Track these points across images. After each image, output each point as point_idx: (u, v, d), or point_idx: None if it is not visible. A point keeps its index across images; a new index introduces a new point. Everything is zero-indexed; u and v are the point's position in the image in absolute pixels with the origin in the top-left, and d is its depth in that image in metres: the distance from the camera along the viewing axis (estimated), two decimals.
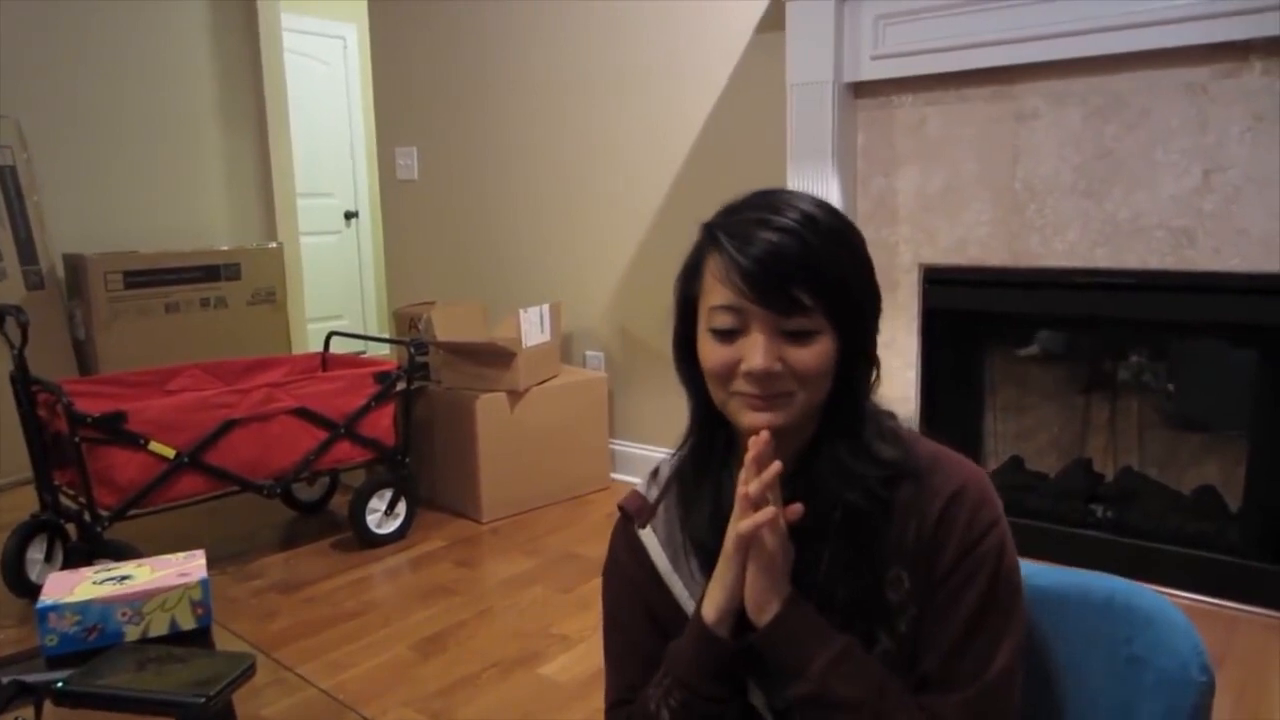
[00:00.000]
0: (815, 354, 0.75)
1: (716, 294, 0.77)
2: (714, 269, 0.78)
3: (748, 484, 0.74)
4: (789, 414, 0.77)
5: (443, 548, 2.51)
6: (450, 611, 2.10)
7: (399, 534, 2.55)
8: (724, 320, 0.77)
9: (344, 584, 2.27)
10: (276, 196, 4.35)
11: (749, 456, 0.75)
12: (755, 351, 0.74)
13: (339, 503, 2.77)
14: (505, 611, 2.11)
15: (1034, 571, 0.82)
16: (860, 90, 2.31)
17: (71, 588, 0.92)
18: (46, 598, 0.89)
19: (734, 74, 2.64)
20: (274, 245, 4.06)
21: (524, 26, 3.14)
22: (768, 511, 0.73)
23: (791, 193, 0.81)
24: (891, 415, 0.84)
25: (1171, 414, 2.31)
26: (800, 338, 0.75)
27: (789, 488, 0.78)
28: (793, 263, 0.74)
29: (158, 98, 3.84)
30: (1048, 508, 2.27)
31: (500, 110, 3.27)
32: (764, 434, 0.75)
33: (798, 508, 0.77)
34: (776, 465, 0.74)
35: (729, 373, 0.77)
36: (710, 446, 0.85)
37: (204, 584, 0.94)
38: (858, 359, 0.79)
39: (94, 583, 0.93)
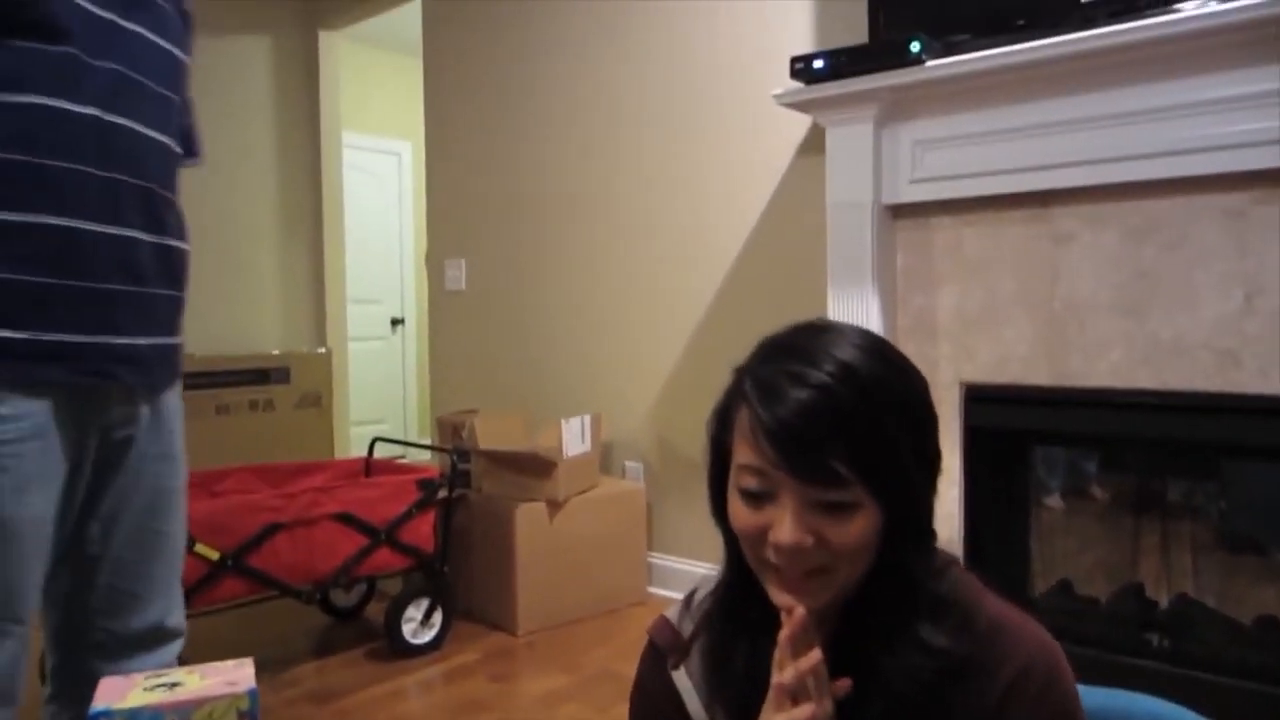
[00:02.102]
0: (854, 531, 0.66)
1: (744, 452, 0.70)
2: (742, 423, 0.71)
3: (783, 669, 0.67)
4: (825, 595, 0.69)
5: (478, 660, 2.48)
6: None
7: (434, 644, 2.53)
8: (751, 482, 0.69)
9: (378, 696, 2.25)
10: (328, 303, 4.49)
11: (783, 635, 0.67)
12: (783, 525, 0.66)
13: (375, 609, 2.77)
14: None
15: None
16: (899, 211, 2.37)
17: (124, 694, 0.93)
18: (99, 703, 0.90)
19: (775, 193, 2.72)
20: (323, 350, 4.17)
21: (569, 147, 3.27)
22: (806, 711, 0.65)
23: (835, 332, 0.73)
24: (949, 561, 0.74)
25: (1225, 537, 2.25)
26: (837, 511, 0.67)
27: (832, 652, 0.70)
28: (827, 426, 0.65)
29: (220, 206, 4.03)
30: (1100, 635, 2.20)
31: (546, 225, 3.38)
32: (799, 612, 0.67)
33: (845, 684, 0.69)
34: (815, 655, 0.66)
35: (758, 539, 0.69)
36: (744, 597, 0.76)
37: (252, 694, 0.94)
38: (907, 530, 0.70)
39: (145, 689, 0.94)
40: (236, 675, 1.00)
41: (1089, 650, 2.16)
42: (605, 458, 3.10)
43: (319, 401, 4.02)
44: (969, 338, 2.29)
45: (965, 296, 2.29)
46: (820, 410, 0.65)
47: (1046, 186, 2.11)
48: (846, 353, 0.69)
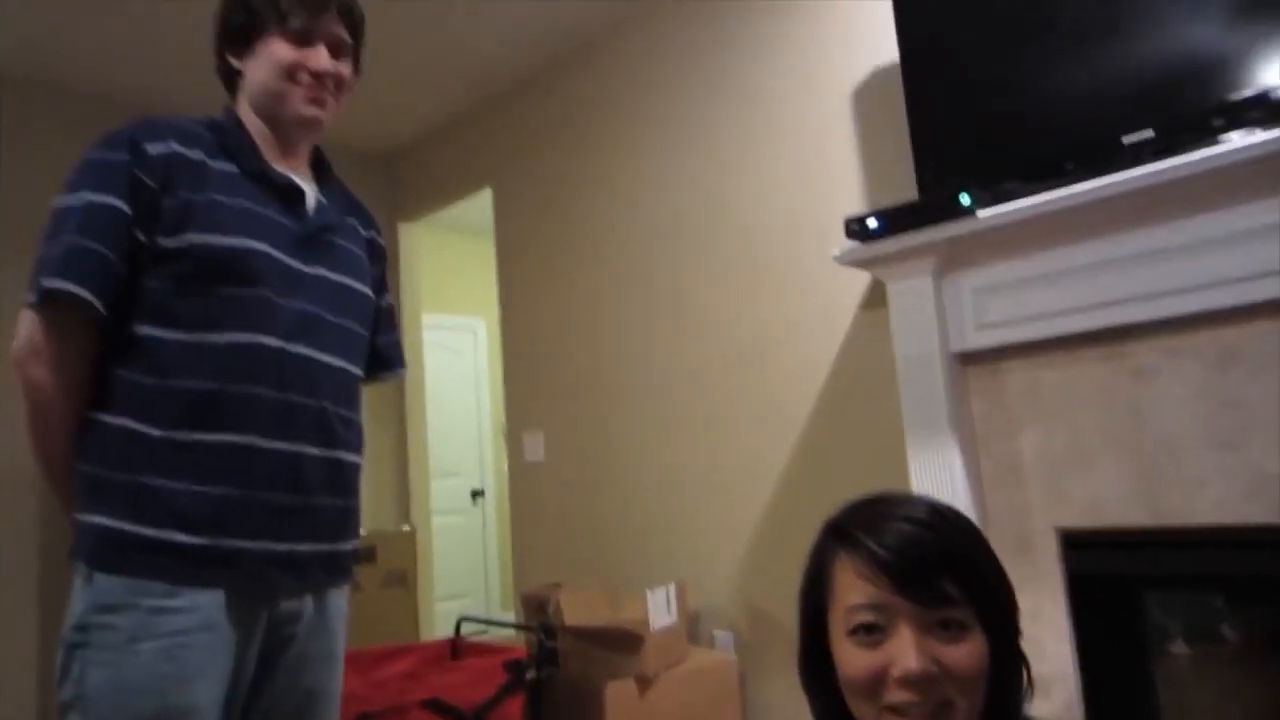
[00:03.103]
0: (970, 652, 0.69)
1: (854, 592, 0.73)
2: (848, 566, 0.74)
3: None
4: None
5: None
6: None
7: None
8: (867, 617, 0.72)
9: None
10: (411, 480, 4.59)
11: None
12: (907, 652, 0.68)
13: None
14: None
15: None
16: (969, 358, 2.35)
17: None
18: None
19: (842, 349, 2.74)
20: (407, 528, 4.22)
21: (637, 319, 3.37)
22: None
23: (909, 493, 0.80)
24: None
25: None
26: (951, 634, 0.70)
27: None
28: (934, 551, 0.70)
29: None
30: None
31: (620, 395, 3.45)
32: None
33: None
34: None
35: (877, 682, 0.70)
36: None
37: None
38: (1005, 661, 0.73)
39: None
40: None
41: None
42: (693, 627, 3.02)
43: (404, 579, 4.04)
44: (1058, 481, 2.22)
45: (1049, 439, 2.24)
46: (925, 540, 0.71)
47: (1115, 323, 2.09)
48: (928, 501, 0.76)
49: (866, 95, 2.73)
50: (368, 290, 1.48)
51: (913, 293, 2.35)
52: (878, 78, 2.69)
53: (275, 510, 1.25)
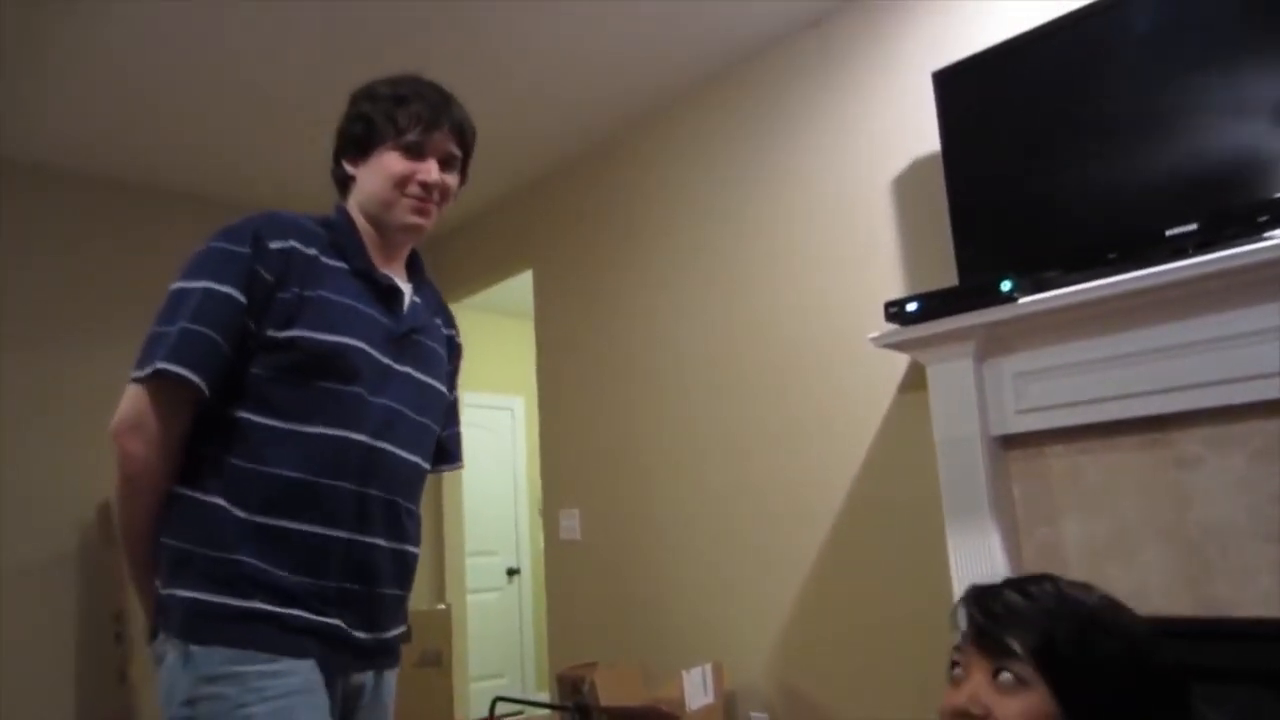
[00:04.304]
0: (1020, 707, 0.75)
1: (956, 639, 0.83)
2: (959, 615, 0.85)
3: None
4: None
5: None
6: None
7: None
8: (952, 657, 0.84)
9: None
10: (447, 558, 4.60)
11: None
12: (964, 692, 0.78)
13: None
14: None
15: None
16: (1009, 442, 2.36)
17: None
18: None
19: (880, 431, 2.76)
20: (443, 607, 4.22)
21: (673, 400, 3.41)
22: None
23: (1052, 575, 0.88)
24: None
25: None
26: (1007, 687, 0.76)
27: None
28: (1012, 611, 0.78)
29: None
30: None
31: (656, 474, 3.47)
32: None
33: None
34: None
35: (951, 717, 0.80)
36: None
37: None
38: None
39: None
40: None
41: None
42: (729, 708, 2.97)
43: (439, 659, 4.01)
44: (1102, 568, 2.19)
45: (1091, 525, 2.22)
46: (1011, 600, 0.78)
47: (1157, 411, 2.09)
48: (1055, 578, 0.82)
49: (907, 183, 2.80)
50: (444, 388, 1.57)
51: (953, 375, 2.37)
52: (918, 167, 2.76)
53: (348, 597, 1.31)
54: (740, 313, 3.24)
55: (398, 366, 1.42)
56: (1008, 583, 0.84)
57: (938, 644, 2.15)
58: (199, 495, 1.28)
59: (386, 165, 1.43)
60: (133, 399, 1.26)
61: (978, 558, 2.27)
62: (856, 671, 2.70)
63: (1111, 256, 2.15)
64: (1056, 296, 2.16)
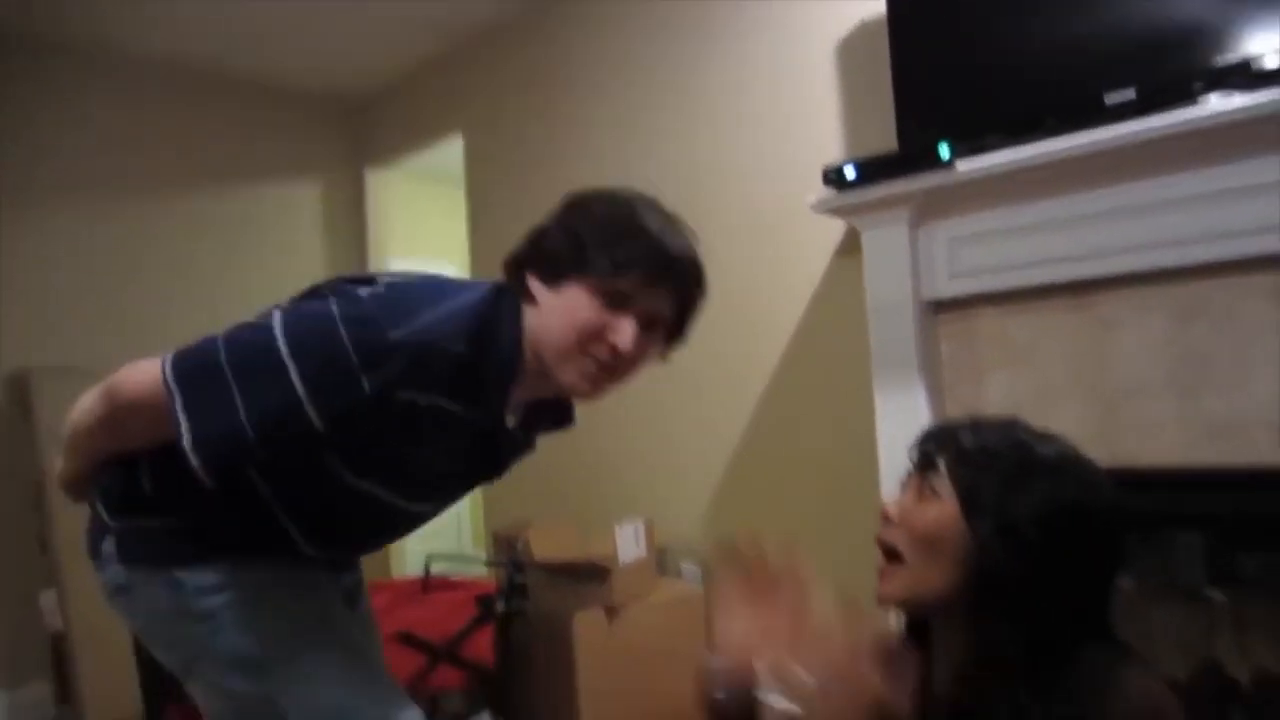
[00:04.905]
0: (927, 515, 0.80)
1: None
2: None
3: None
4: (897, 584, 0.81)
5: None
6: None
7: None
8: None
9: None
10: None
11: None
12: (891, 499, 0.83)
13: None
14: None
15: None
16: (940, 305, 2.40)
17: None
18: None
19: (815, 295, 2.79)
20: None
21: None
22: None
23: (1010, 418, 0.91)
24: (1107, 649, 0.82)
25: None
26: (925, 498, 0.81)
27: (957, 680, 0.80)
28: (945, 436, 0.83)
29: None
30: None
31: None
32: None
33: None
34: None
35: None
36: None
37: None
38: (1000, 596, 0.77)
39: None
40: None
41: None
42: (661, 561, 3.08)
43: None
44: None
45: (1014, 385, 2.30)
46: (948, 427, 0.83)
47: (1088, 275, 2.14)
48: (1008, 420, 0.86)
49: (851, 48, 2.74)
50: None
51: (887, 240, 2.39)
52: (863, 31, 2.70)
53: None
54: (679, 177, 3.19)
55: (411, 506, 1.33)
56: (970, 418, 0.87)
57: (863, 500, 2.24)
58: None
59: (575, 307, 1.14)
60: (156, 396, 1.06)
61: (904, 417, 2.35)
62: (784, 525, 2.81)
63: (1050, 121, 2.16)
64: (992, 162, 2.16)
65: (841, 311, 2.69)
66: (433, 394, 1.10)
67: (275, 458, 1.11)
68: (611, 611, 2.68)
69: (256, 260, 4.10)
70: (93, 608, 3.03)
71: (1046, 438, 0.85)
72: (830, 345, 2.73)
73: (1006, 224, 2.23)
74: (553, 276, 1.18)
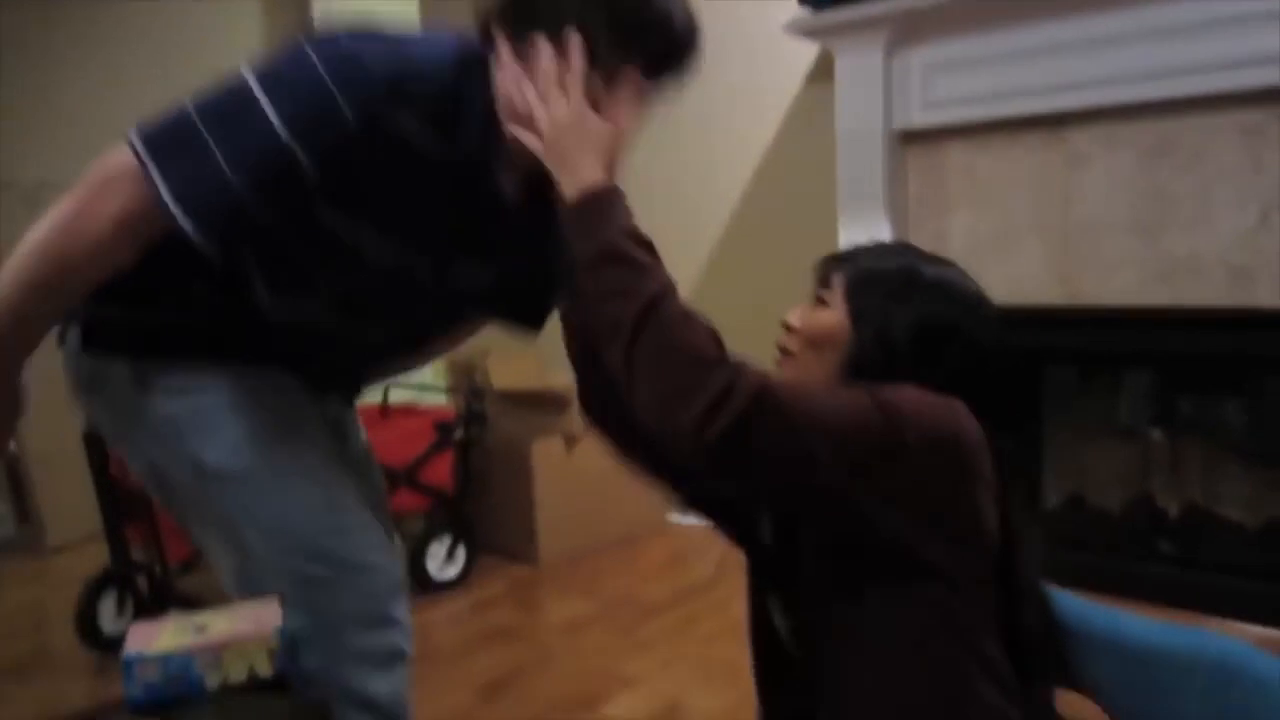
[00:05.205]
0: (816, 319, 0.88)
1: None
2: None
3: None
4: (783, 374, 0.90)
5: (502, 591, 2.54)
6: (512, 655, 2.13)
7: (459, 579, 2.59)
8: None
9: None
10: None
11: None
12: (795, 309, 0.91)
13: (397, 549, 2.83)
14: (566, 654, 2.12)
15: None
16: (910, 137, 2.33)
17: (153, 638, 0.96)
18: (131, 649, 0.94)
19: (785, 121, 2.69)
20: None
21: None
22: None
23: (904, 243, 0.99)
24: None
25: (1235, 446, 2.26)
26: (818, 307, 0.89)
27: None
28: (846, 255, 0.91)
29: None
30: (1112, 544, 2.24)
31: None
32: None
33: None
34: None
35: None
36: None
37: (280, 634, 0.98)
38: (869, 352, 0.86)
39: (174, 632, 0.98)
40: (263, 615, 1.03)
41: (1102, 559, 2.20)
42: None
43: None
44: (982, 261, 2.27)
45: (979, 221, 2.27)
46: (850, 251, 0.92)
47: (1060, 108, 2.08)
48: (903, 245, 0.95)
49: None
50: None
51: (862, 65, 2.28)
52: None
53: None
54: None
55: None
56: (871, 245, 0.93)
57: None
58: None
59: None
60: (129, 168, 0.96)
61: None
62: (745, 352, 2.82)
63: None
64: None
65: (810, 140, 2.60)
66: (417, 123, 1.00)
67: (274, 224, 1.01)
68: (570, 440, 2.72)
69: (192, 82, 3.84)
70: (49, 426, 3.04)
71: (938, 262, 0.90)
72: (797, 174, 2.66)
73: (982, 51, 2.14)
74: (529, 41, 1.01)
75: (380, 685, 1.14)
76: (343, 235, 1.05)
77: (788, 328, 0.91)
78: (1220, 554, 2.13)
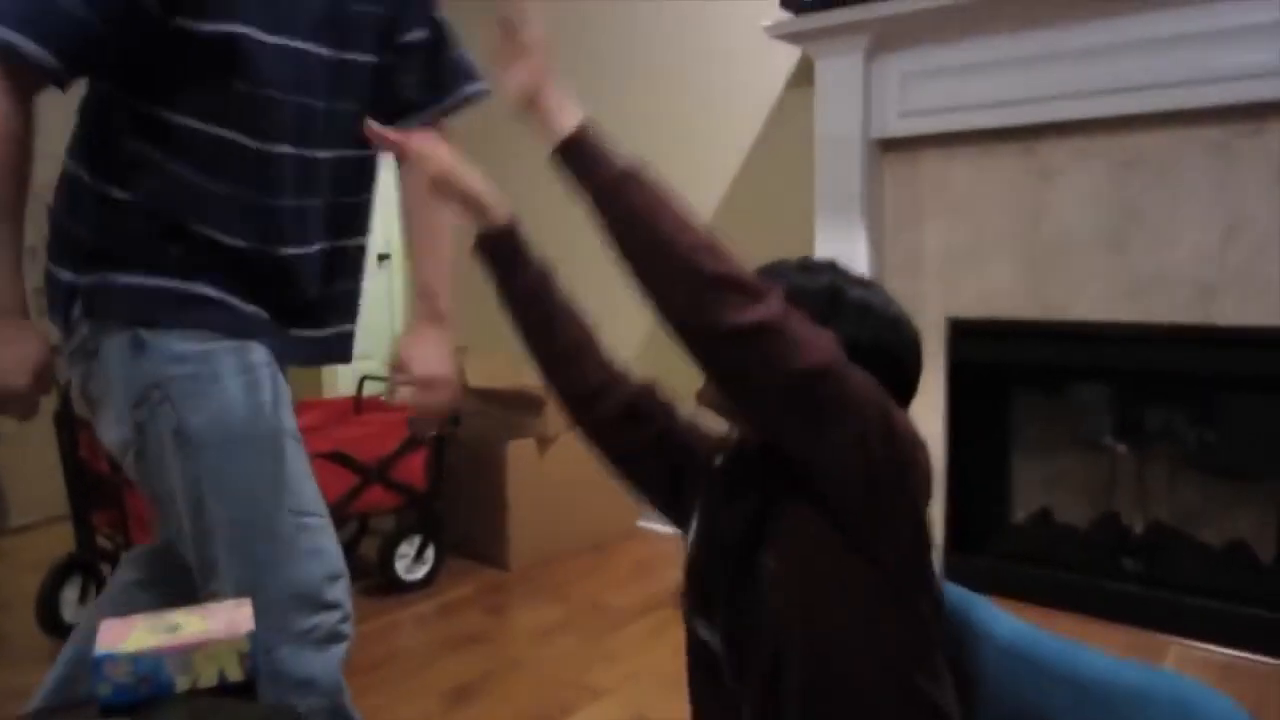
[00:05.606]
0: None
1: None
2: None
3: None
4: (710, 389, 0.91)
5: (471, 595, 2.53)
6: (479, 661, 2.12)
7: (427, 580, 2.57)
8: None
9: (372, 630, 2.29)
10: None
11: None
12: None
13: (367, 546, 2.80)
14: (535, 661, 2.12)
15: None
16: (888, 145, 2.35)
17: (124, 636, 0.95)
18: (102, 647, 0.92)
19: (764, 125, 2.70)
20: None
21: (555, 78, 3.22)
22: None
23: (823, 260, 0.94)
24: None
25: (1201, 464, 2.30)
26: None
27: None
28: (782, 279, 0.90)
29: None
30: (1078, 560, 2.27)
31: (532, 158, 3.34)
32: None
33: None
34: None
35: None
36: None
37: (252, 636, 0.96)
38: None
39: (146, 631, 0.96)
40: (236, 616, 1.02)
41: (1067, 575, 2.23)
42: None
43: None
44: (955, 274, 2.30)
45: (952, 233, 2.29)
46: (776, 272, 0.92)
47: (1034, 120, 2.10)
48: (842, 270, 0.92)
49: None
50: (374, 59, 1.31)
51: (842, 71, 2.30)
52: None
53: (284, 299, 1.25)
54: None
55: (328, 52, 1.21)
56: (798, 262, 0.92)
57: None
58: (123, 195, 1.14)
59: None
60: None
61: (844, 259, 2.33)
62: None
63: None
64: None
65: (789, 145, 2.61)
66: None
67: (142, 46, 1.08)
68: (544, 442, 2.72)
69: None
70: None
71: (861, 283, 0.91)
72: (776, 179, 2.67)
73: (959, 60, 2.16)
74: None
75: (316, 665, 1.18)
76: (223, 42, 1.09)
77: None
78: (1185, 573, 2.16)
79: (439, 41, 1.37)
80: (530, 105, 0.99)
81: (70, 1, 1.02)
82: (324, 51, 1.20)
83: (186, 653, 0.95)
